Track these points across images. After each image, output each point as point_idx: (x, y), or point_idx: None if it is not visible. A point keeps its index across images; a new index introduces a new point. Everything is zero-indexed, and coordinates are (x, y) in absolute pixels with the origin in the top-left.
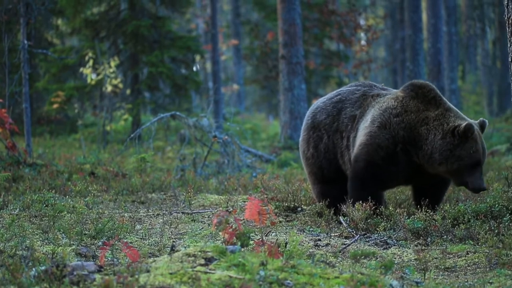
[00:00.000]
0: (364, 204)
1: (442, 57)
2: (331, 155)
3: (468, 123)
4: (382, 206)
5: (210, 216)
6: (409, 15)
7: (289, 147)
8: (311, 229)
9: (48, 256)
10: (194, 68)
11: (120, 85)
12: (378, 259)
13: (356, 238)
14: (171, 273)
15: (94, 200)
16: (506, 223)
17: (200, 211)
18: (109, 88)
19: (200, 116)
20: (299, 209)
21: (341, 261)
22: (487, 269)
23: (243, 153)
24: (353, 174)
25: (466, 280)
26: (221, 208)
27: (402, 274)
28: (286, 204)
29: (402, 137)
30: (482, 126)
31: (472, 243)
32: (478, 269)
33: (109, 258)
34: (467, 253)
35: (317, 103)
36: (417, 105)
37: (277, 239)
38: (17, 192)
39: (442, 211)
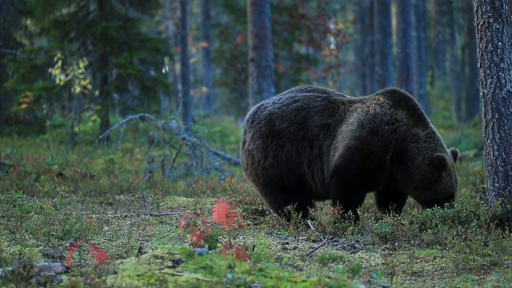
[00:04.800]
0: (332, 207)
1: (411, 62)
2: (294, 164)
3: (438, 154)
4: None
5: (178, 218)
6: (378, 20)
7: None
8: (279, 232)
9: (15, 256)
10: (163, 70)
11: (89, 86)
12: (346, 263)
13: (323, 242)
14: (138, 275)
15: (62, 201)
16: (473, 229)
17: (168, 213)
18: (78, 89)
19: (169, 118)
20: (267, 212)
21: (308, 264)
22: (454, 274)
23: (211, 156)
24: (344, 183)
25: (433, 285)
26: (189, 211)
27: (370, 278)
28: (254, 207)
29: (394, 147)
30: (454, 155)
31: (440, 248)
32: (445, 274)
33: (77, 259)
34: (435, 258)
35: (266, 109)
36: (407, 118)
37: (244, 242)
38: None
39: (410, 216)
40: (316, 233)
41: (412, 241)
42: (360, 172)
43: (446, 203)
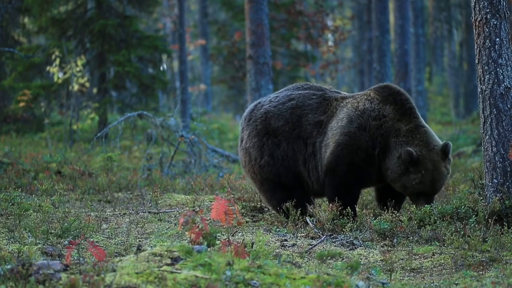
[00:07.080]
0: (330, 204)
1: (409, 58)
2: (290, 162)
3: (406, 149)
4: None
5: (177, 215)
6: (376, 16)
7: None
8: (278, 229)
9: (14, 255)
10: (161, 68)
11: (87, 84)
12: (344, 259)
13: (322, 238)
14: (137, 273)
15: (61, 199)
16: (472, 225)
17: (167, 210)
18: (76, 87)
19: (167, 116)
20: (266, 209)
21: (307, 261)
22: (453, 270)
23: (210, 153)
24: (337, 180)
25: (432, 281)
26: (187, 208)
27: (368, 275)
28: (253, 204)
29: (380, 143)
30: (444, 151)
31: (438, 244)
32: (444, 270)
33: (75, 257)
34: (433, 254)
35: (262, 107)
36: (393, 113)
37: (243, 239)
38: None
39: (408, 212)
40: (315, 230)
41: (411, 237)
42: (350, 168)
43: (421, 203)
